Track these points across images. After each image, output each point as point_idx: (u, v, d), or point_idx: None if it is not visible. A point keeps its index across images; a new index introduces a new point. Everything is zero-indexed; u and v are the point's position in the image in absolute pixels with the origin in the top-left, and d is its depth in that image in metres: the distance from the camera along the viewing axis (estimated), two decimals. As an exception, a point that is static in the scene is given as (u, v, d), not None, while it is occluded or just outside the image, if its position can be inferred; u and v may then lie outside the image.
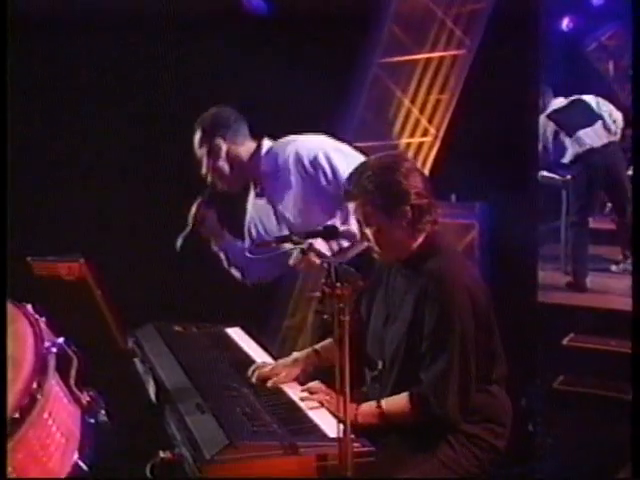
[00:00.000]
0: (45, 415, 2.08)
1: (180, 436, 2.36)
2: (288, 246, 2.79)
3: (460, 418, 2.51)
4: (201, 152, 3.42)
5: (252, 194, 3.57)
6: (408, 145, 4.79)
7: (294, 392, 2.68)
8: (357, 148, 4.63)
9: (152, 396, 2.76)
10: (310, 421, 2.43)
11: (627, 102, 6.73)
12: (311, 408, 2.53)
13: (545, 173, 6.21)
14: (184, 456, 2.28)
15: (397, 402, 2.55)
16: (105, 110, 4.23)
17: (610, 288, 6.01)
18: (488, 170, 4.35)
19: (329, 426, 2.35)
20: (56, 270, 2.64)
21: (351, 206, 2.61)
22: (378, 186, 2.53)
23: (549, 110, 6.28)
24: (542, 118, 6.09)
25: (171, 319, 3.46)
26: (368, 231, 2.60)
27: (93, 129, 4.25)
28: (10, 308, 2.34)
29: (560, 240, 6.50)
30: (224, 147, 3.40)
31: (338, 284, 2.19)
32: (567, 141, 6.20)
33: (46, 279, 2.67)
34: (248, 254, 2.65)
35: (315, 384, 2.66)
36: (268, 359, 3.01)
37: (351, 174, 2.64)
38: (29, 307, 2.40)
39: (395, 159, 2.69)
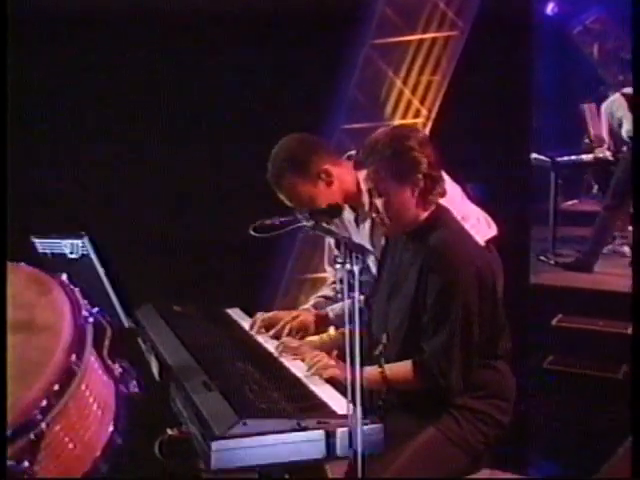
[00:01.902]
0: (83, 387, 2.06)
1: (187, 413, 2.35)
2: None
3: (462, 389, 2.53)
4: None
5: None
6: (400, 126, 4.80)
7: (299, 369, 2.69)
8: (348, 129, 4.63)
9: (155, 374, 2.76)
10: (318, 398, 2.41)
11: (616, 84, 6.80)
12: (316, 383, 2.53)
13: (535, 155, 6.22)
14: (192, 433, 2.28)
15: (401, 368, 2.57)
16: (106, 104, 4.21)
17: (599, 269, 6.06)
18: (480, 151, 4.38)
19: (337, 403, 2.35)
20: (60, 248, 2.61)
21: (362, 175, 2.62)
22: (393, 153, 2.55)
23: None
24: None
25: (166, 300, 3.45)
26: (378, 202, 2.60)
27: (95, 117, 4.22)
28: (45, 278, 2.28)
29: (549, 222, 6.53)
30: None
31: (348, 260, 2.20)
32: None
33: (50, 257, 2.65)
34: (252, 232, 2.62)
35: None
36: (268, 339, 3.01)
37: (365, 143, 2.64)
38: (64, 276, 2.34)
39: (409, 129, 2.78)
